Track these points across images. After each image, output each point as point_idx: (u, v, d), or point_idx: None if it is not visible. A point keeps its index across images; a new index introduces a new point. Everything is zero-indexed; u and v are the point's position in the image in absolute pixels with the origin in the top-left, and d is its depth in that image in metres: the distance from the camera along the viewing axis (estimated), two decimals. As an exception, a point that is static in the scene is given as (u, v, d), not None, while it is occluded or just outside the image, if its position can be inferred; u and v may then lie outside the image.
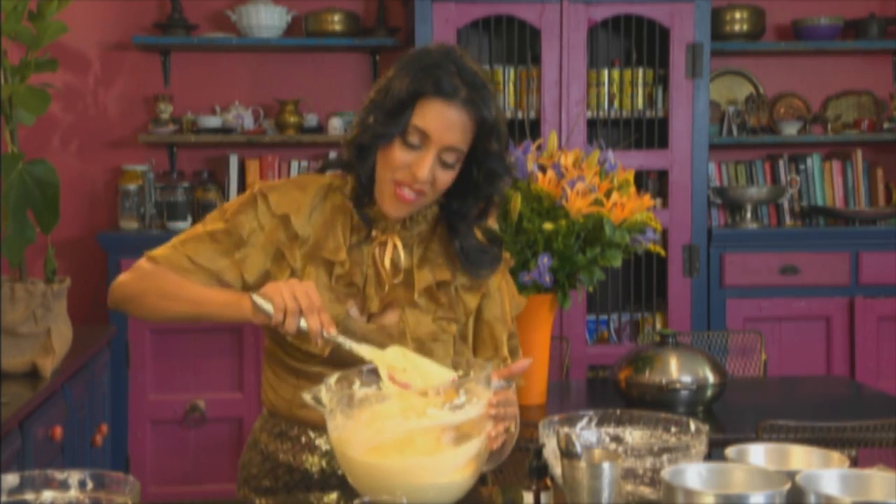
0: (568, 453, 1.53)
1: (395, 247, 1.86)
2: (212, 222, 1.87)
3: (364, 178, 1.83)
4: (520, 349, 2.00)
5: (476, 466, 1.62)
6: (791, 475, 1.46)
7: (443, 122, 1.77)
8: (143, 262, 1.86)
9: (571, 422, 1.73)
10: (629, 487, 1.58)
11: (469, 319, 1.92)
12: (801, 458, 1.61)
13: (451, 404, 1.58)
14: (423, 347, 1.84)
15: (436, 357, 1.82)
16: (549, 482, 1.57)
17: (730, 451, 1.61)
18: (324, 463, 1.86)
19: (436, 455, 1.56)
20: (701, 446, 1.64)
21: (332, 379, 1.64)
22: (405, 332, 1.85)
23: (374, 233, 1.86)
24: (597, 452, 1.57)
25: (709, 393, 2.92)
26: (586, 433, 1.73)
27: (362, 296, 1.86)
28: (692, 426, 1.70)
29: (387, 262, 1.86)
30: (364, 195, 1.85)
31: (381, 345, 1.77)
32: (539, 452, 1.58)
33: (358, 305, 1.86)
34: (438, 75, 1.77)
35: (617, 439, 1.74)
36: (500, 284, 1.95)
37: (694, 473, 1.50)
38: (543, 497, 1.56)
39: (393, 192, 1.80)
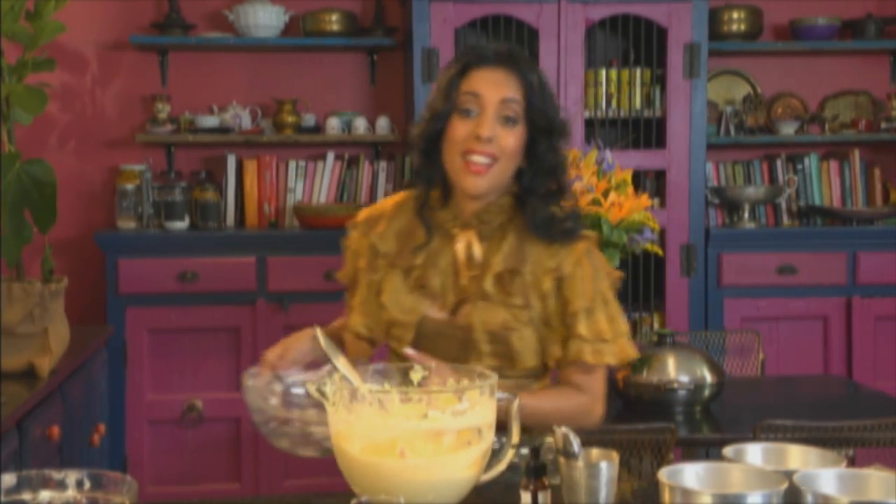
0: (565, 453, 1.54)
1: (470, 241, 1.94)
2: (341, 275, 2.10)
3: (437, 177, 1.93)
4: (618, 320, 1.94)
5: (475, 472, 1.61)
6: (788, 475, 1.46)
7: (490, 79, 1.89)
8: None
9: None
10: None
11: (548, 302, 1.93)
12: (799, 457, 1.61)
13: (453, 410, 1.58)
14: (497, 338, 1.90)
15: (512, 347, 1.90)
16: (546, 482, 1.57)
17: (727, 450, 1.61)
18: None
19: (435, 457, 1.56)
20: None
21: (338, 374, 1.65)
22: (474, 325, 1.91)
23: (454, 230, 1.95)
24: (594, 452, 1.57)
25: (706, 392, 2.92)
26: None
27: (440, 295, 1.94)
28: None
29: (461, 256, 1.94)
30: (439, 195, 1.95)
31: (455, 338, 1.91)
32: (536, 452, 1.58)
33: (438, 304, 1.95)
34: (476, 51, 1.92)
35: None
36: (581, 260, 1.94)
37: (691, 473, 1.50)
38: (541, 497, 1.56)
39: (464, 166, 1.88)
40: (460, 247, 1.95)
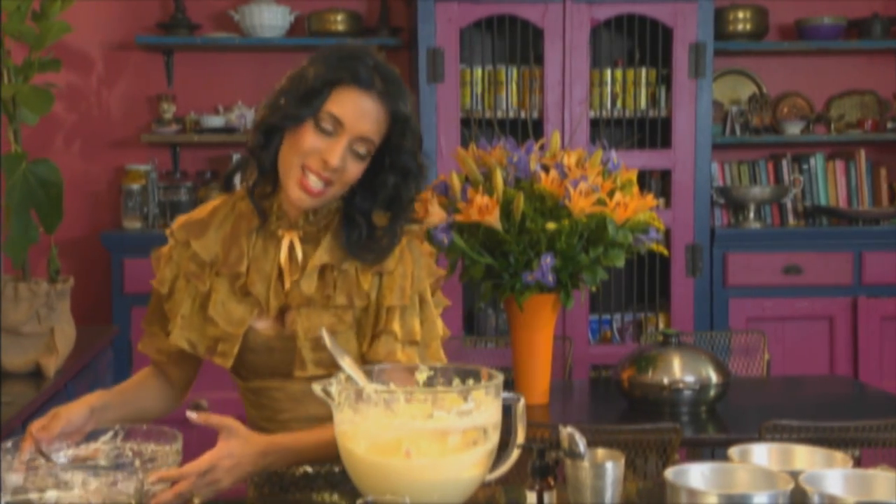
0: (571, 453, 1.54)
1: (293, 243, 1.84)
2: (156, 283, 1.92)
3: (267, 162, 1.82)
4: (433, 322, 1.87)
5: (481, 471, 1.61)
6: (794, 475, 1.46)
7: (358, 110, 1.77)
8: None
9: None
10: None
11: (371, 299, 1.84)
12: (805, 458, 1.61)
13: (458, 410, 1.58)
14: (321, 345, 1.76)
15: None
16: (551, 482, 1.57)
17: (733, 450, 1.61)
18: (307, 468, 1.87)
19: (441, 457, 1.56)
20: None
21: (344, 374, 1.65)
22: (298, 333, 1.82)
23: (279, 231, 1.85)
24: (600, 452, 1.57)
25: (712, 393, 2.92)
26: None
27: (264, 301, 1.84)
28: None
29: (282, 260, 1.84)
30: (266, 185, 1.84)
31: (285, 349, 1.83)
32: (542, 452, 1.57)
33: (263, 312, 1.85)
34: (356, 66, 1.77)
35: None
36: (403, 254, 1.85)
37: (697, 473, 1.50)
38: (546, 497, 1.56)
39: (299, 178, 1.77)
40: (284, 249, 1.84)
